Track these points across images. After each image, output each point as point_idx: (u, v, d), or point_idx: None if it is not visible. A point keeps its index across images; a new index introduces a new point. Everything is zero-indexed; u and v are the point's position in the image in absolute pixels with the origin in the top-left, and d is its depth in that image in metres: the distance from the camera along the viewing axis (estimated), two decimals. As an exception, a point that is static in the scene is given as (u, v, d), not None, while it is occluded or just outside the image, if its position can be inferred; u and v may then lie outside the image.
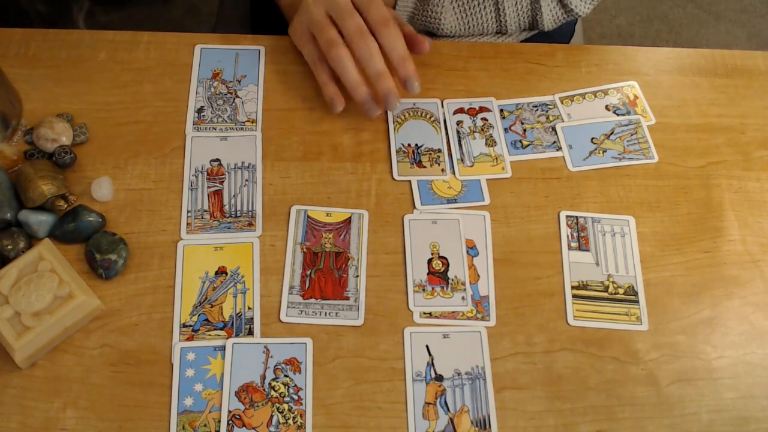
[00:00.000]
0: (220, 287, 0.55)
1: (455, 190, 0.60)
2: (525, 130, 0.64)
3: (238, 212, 0.58)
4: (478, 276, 0.57)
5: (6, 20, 0.82)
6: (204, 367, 0.52)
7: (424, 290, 0.56)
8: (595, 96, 0.66)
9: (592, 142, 0.63)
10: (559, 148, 0.63)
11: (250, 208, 0.58)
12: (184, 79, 0.64)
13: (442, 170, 0.61)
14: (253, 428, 0.50)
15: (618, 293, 0.56)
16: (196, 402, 0.50)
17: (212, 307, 0.54)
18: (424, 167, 0.61)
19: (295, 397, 0.51)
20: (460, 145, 0.62)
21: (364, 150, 0.62)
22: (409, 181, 0.60)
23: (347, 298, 0.55)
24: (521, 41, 0.77)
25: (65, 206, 0.56)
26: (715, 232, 0.60)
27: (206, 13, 1.69)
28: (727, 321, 0.56)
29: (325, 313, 0.54)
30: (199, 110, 0.62)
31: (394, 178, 0.60)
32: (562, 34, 0.86)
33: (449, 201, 0.59)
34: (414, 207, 0.59)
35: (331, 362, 0.53)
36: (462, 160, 0.62)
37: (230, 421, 0.50)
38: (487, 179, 0.61)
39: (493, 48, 0.68)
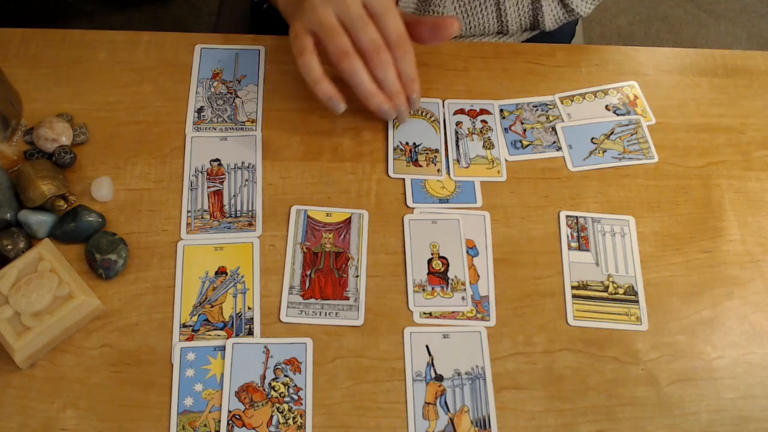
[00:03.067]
0: (220, 287, 0.55)
1: (448, 190, 0.60)
2: (525, 130, 0.64)
3: (238, 212, 0.58)
4: (478, 276, 0.57)
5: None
6: (204, 367, 0.52)
7: (424, 290, 0.56)
8: (595, 96, 0.66)
9: (592, 142, 0.63)
10: (559, 148, 0.63)
11: (250, 208, 0.58)
12: (184, 79, 0.64)
13: (438, 170, 0.61)
14: (253, 428, 0.50)
15: (618, 293, 0.56)
16: (196, 402, 0.50)
17: (212, 307, 0.54)
18: (420, 166, 0.61)
19: (295, 397, 0.51)
20: (458, 146, 0.62)
21: (364, 150, 0.62)
22: (403, 179, 0.60)
23: (347, 298, 0.55)
24: (522, 41, 0.77)
25: (65, 206, 0.56)
26: (715, 232, 0.60)
27: (206, 13, 1.69)
28: (727, 321, 0.56)
29: (325, 313, 0.54)
30: (199, 110, 0.62)
31: (389, 176, 0.60)
32: (564, 35, 0.86)
33: (441, 201, 0.59)
34: (405, 205, 0.59)
35: (331, 362, 0.53)
36: (458, 160, 0.62)
37: (230, 421, 0.50)
38: (481, 181, 0.61)
39: (494, 48, 0.68)
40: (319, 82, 0.55)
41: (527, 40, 0.77)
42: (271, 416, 0.50)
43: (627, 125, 0.64)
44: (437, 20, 0.58)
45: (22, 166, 0.56)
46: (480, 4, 0.70)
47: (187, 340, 0.53)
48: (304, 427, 0.50)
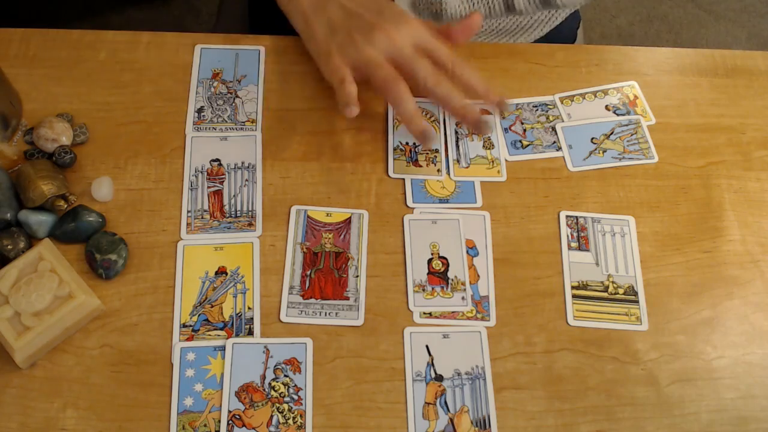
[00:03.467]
0: (220, 287, 0.55)
1: (448, 190, 0.60)
2: (525, 130, 0.64)
3: (238, 212, 0.58)
4: (478, 276, 0.57)
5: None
6: (204, 367, 0.52)
7: (424, 290, 0.56)
8: (595, 96, 0.66)
9: (592, 142, 0.63)
10: (559, 148, 0.63)
11: (250, 208, 0.58)
12: (184, 79, 0.64)
13: (438, 170, 0.61)
14: (253, 428, 0.50)
15: (618, 293, 0.56)
16: (196, 402, 0.50)
17: (212, 307, 0.54)
18: (420, 166, 0.61)
19: (295, 397, 0.51)
20: (458, 146, 0.62)
21: (364, 150, 0.62)
22: (403, 179, 0.60)
23: (347, 298, 0.55)
24: (530, 42, 0.76)
25: (65, 206, 0.56)
26: (715, 232, 0.60)
27: (206, 13, 1.69)
28: (727, 321, 0.56)
29: (325, 313, 0.54)
30: (199, 110, 0.62)
31: (389, 176, 0.60)
32: (566, 38, 0.86)
33: (441, 201, 0.59)
34: (405, 205, 0.59)
35: (331, 362, 0.53)
36: (458, 160, 0.62)
37: (230, 421, 0.50)
38: (481, 181, 0.61)
39: (493, 48, 0.68)
40: (349, 105, 0.55)
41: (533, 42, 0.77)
42: (271, 416, 0.50)
43: (627, 125, 0.64)
44: (462, 21, 0.60)
45: (22, 166, 0.56)
46: None
47: (187, 340, 0.53)
48: (304, 427, 0.50)
